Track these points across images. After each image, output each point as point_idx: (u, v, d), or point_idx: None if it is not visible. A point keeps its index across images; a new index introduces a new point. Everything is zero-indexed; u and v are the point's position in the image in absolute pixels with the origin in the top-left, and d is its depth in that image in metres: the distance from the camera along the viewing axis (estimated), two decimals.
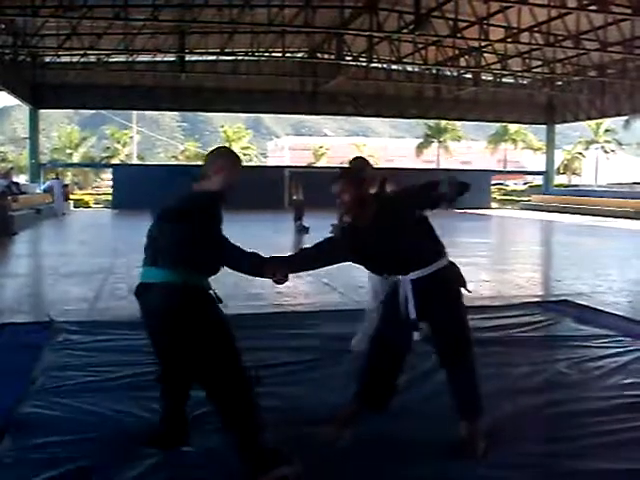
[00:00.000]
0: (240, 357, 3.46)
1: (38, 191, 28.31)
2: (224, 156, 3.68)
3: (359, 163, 5.66)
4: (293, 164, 53.26)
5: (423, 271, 3.74)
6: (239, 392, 3.39)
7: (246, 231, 20.18)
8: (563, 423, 4.16)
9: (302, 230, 18.69)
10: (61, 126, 75.34)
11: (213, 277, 3.58)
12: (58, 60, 28.24)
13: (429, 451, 3.71)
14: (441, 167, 54.33)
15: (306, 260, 4.03)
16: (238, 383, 3.40)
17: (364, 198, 3.84)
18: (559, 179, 51.08)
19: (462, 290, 3.91)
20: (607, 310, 7.70)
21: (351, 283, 9.78)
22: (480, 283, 10.14)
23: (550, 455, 3.68)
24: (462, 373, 3.85)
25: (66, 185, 34.98)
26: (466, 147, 70.27)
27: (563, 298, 8.49)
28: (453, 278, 3.88)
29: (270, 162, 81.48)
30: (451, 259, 3.91)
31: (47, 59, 28.44)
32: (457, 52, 27.28)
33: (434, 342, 3.90)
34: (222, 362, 3.39)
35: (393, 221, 3.76)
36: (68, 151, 56.93)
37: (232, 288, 9.35)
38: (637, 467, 3.54)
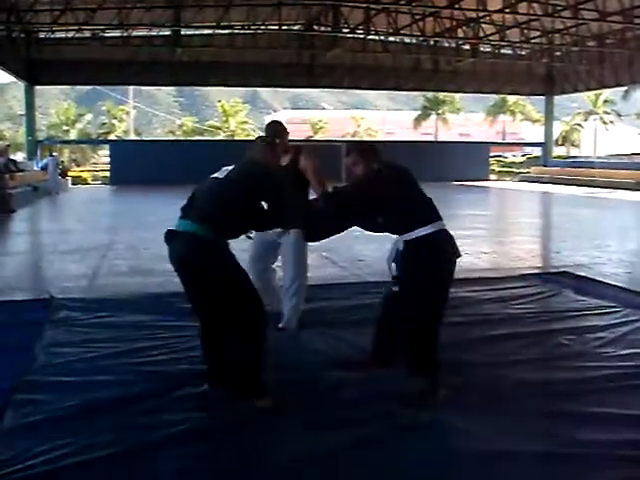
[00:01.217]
0: (253, 296, 3.93)
1: (35, 168, 28.20)
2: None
3: (273, 128, 5.51)
4: (291, 138, 52.95)
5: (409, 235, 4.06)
6: (249, 326, 3.87)
7: None
8: (562, 394, 4.18)
9: None
10: (57, 102, 74.89)
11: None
12: (53, 36, 28.02)
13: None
14: (439, 139, 54.18)
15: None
16: (248, 317, 3.87)
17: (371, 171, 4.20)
18: (558, 150, 50.90)
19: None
20: (606, 281, 7.69)
21: (351, 257, 9.79)
22: (479, 255, 10.14)
23: (550, 425, 3.70)
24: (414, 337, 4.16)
25: (62, 162, 34.92)
26: (464, 119, 69.77)
27: (562, 270, 8.49)
28: (432, 247, 4.10)
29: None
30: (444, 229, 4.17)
31: (41, 35, 28.23)
32: (455, 23, 27.15)
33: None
34: (233, 298, 3.88)
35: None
36: (65, 128, 56.54)
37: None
38: (638, 437, 3.55)
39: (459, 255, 4.24)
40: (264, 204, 4.05)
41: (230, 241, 4.04)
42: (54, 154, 28.94)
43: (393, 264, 4.20)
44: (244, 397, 3.92)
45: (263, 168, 4.13)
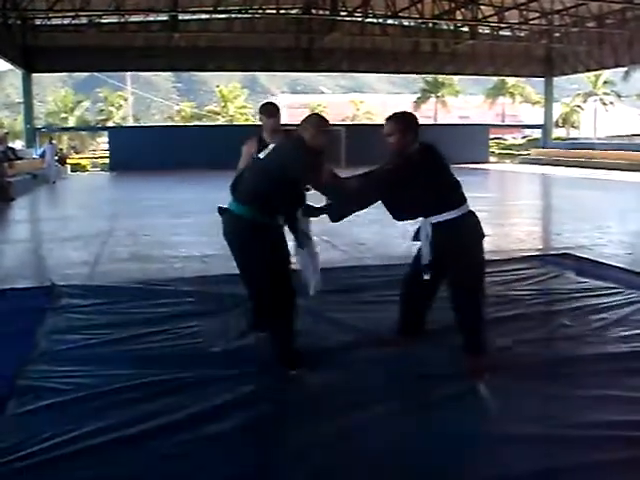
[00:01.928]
0: (284, 281, 4.23)
1: (35, 156, 28.12)
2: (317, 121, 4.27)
3: (270, 109, 5.45)
4: (290, 122, 52.91)
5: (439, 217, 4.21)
6: (281, 298, 4.22)
7: None
8: (564, 375, 4.19)
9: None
10: (55, 90, 74.71)
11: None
12: (49, 23, 27.87)
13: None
14: (439, 122, 54.04)
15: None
16: (281, 292, 4.21)
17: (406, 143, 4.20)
18: (557, 132, 50.78)
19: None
20: (608, 262, 7.69)
21: (352, 240, 9.79)
22: None
23: (551, 407, 3.70)
24: (467, 315, 4.32)
25: (61, 149, 34.82)
26: (464, 101, 69.59)
27: (563, 251, 8.48)
28: (464, 230, 4.24)
29: None
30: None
31: (38, 22, 28.05)
32: (453, 5, 27.00)
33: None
34: (265, 279, 4.24)
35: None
36: (63, 115, 56.42)
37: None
38: (636, 418, 3.55)
39: (484, 236, 4.41)
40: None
41: None
42: (53, 142, 28.73)
43: (426, 249, 4.30)
44: (281, 365, 4.29)
45: (298, 145, 4.20)
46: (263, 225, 4.17)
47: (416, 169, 4.14)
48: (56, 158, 29.40)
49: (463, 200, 4.31)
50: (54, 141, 30.42)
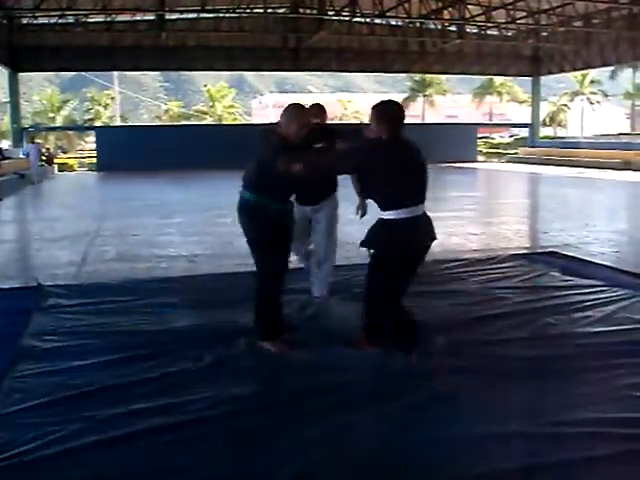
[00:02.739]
0: (279, 254, 4.69)
1: (21, 156, 27.96)
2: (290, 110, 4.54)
3: (317, 109, 5.66)
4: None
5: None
6: (258, 282, 4.72)
7: (235, 190, 20.12)
8: (550, 373, 4.21)
9: None
10: (42, 89, 74.34)
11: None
12: (35, 22, 27.70)
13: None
14: (427, 121, 54.12)
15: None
16: (259, 276, 4.72)
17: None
18: (545, 131, 50.98)
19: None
20: (594, 261, 7.74)
21: (344, 240, 9.78)
22: (467, 236, 10.17)
23: (537, 405, 3.72)
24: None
25: (48, 149, 34.62)
26: (452, 101, 69.80)
27: (550, 250, 8.53)
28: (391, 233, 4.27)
29: (255, 120, 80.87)
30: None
31: (24, 21, 27.86)
32: (441, 4, 27.02)
33: None
34: (255, 255, 4.72)
35: None
36: (50, 115, 56.17)
37: (226, 247, 9.39)
38: (627, 415, 3.58)
39: (431, 239, 4.40)
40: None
41: None
42: (36, 141, 28.51)
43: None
44: (269, 338, 4.69)
45: (266, 135, 4.63)
46: (259, 206, 4.57)
47: (375, 156, 4.23)
48: (44, 158, 29.29)
49: (412, 203, 4.21)
50: (39, 140, 30.27)
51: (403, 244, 4.23)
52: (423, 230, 4.33)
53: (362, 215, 5.64)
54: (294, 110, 4.54)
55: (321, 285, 5.91)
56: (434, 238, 4.43)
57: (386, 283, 4.35)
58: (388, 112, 4.28)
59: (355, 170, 4.62)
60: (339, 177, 5.44)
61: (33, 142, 26.90)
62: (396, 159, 4.23)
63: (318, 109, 5.69)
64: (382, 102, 4.34)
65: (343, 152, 4.69)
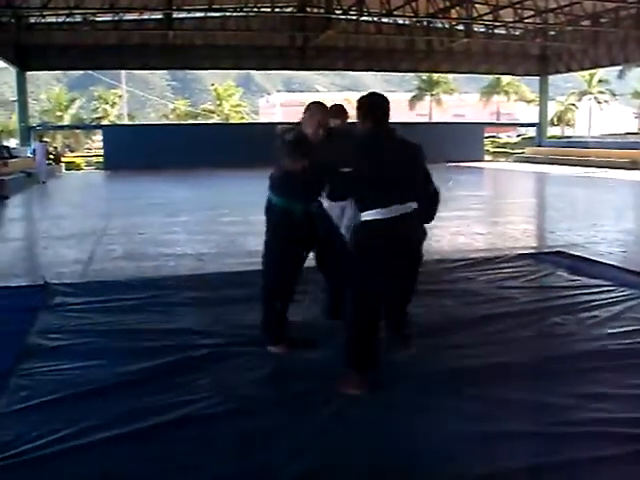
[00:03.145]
0: (277, 267, 4.67)
1: (29, 154, 28.00)
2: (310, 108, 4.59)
3: (335, 111, 5.57)
4: (285, 121, 52.87)
5: None
6: (276, 276, 4.68)
7: (240, 188, 20.18)
8: (556, 372, 4.19)
9: None
10: (49, 88, 74.53)
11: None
12: (43, 21, 27.74)
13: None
14: (434, 120, 54.06)
15: None
16: (277, 270, 4.68)
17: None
18: (552, 131, 50.82)
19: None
20: (601, 260, 7.71)
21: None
22: (473, 236, 10.15)
23: (544, 404, 3.71)
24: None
25: (55, 148, 34.68)
26: (459, 100, 69.67)
27: (557, 249, 8.50)
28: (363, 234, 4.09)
29: (262, 119, 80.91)
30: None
31: (32, 20, 27.90)
32: (448, 3, 26.95)
33: None
34: (271, 256, 4.72)
35: None
36: (58, 113, 56.32)
37: (232, 245, 9.41)
38: (635, 415, 3.56)
39: (413, 239, 4.11)
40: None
41: None
42: (44, 140, 28.48)
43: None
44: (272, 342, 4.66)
45: (281, 135, 4.60)
46: (282, 208, 4.56)
47: (351, 148, 4.12)
48: (51, 156, 29.29)
49: (389, 203, 3.93)
50: (47, 139, 30.27)
51: (376, 248, 3.96)
52: (402, 232, 4.00)
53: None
54: (314, 109, 4.54)
55: None
56: (419, 241, 4.15)
57: (356, 290, 4.05)
58: (370, 104, 4.10)
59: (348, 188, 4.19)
60: None
61: (40, 141, 26.49)
62: (372, 155, 4.00)
63: (338, 110, 5.61)
64: (364, 95, 4.18)
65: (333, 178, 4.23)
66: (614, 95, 60.91)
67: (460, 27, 30.42)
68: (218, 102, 65.38)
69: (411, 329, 4.56)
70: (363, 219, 3.99)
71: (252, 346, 4.68)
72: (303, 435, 3.42)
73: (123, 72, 61.46)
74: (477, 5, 26.97)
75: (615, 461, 3.11)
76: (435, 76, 57.97)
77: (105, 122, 55.04)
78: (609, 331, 4.97)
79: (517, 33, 32.77)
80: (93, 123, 56.22)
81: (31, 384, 4.03)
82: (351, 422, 3.55)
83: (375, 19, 29.16)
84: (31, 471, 3.07)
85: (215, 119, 61.37)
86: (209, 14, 27.82)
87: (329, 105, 5.24)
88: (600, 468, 3.07)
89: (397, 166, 4.00)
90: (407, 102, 61.63)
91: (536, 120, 40.33)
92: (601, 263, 7.52)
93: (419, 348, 4.52)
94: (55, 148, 34.49)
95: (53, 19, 27.46)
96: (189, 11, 27.68)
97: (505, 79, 57.99)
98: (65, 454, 3.19)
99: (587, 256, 7.99)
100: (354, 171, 3.99)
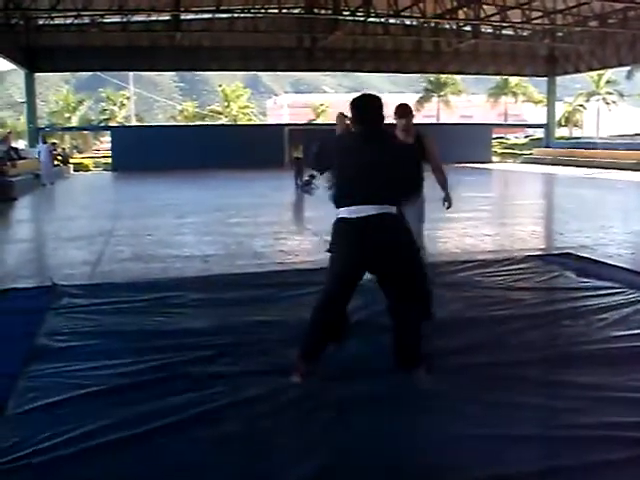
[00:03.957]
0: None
1: (37, 156, 28.06)
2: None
3: (401, 110, 5.57)
4: (293, 122, 52.94)
5: None
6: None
7: (247, 190, 20.21)
8: (564, 375, 4.18)
9: (308, 183, 18.38)
10: (58, 89, 74.78)
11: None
12: (52, 22, 27.82)
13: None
14: (441, 121, 53.98)
15: None
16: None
17: None
18: (560, 132, 50.72)
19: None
20: (610, 262, 7.68)
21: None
22: (482, 237, 10.12)
23: (553, 407, 3.69)
24: None
25: (63, 149, 34.75)
26: (466, 101, 69.63)
27: (566, 251, 8.47)
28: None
29: (269, 120, 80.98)
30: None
31: (40, 22, 27.98)
32: (456, 4, 26.90)
33: None
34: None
35: None
36: (66, 115, 56.53)
37: (239, 247, 9.42)
38: (637, 419, 3.53)
39: (383, 242, 3.96)
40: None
41: None
42: (51, 141, 28.38)
43: None
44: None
45: None
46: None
47: (333, 143, 4.37)
48: (59, 158, 29.29)
49: (351, 203, 3.95)
50: (55, 140, 30.25)
51: (341, 247, 4.02)
52: (370, 233, 3.92)
53: None
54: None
55: None
56: (389, 246, 3.97)
57: (327, 285, 4.13)
58: (356, 106, 4.15)
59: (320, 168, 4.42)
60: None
61: (45, 142, 26.04)
62: (346, 153, 4.09)
63: (404, 110, 5.58)
64: (355, 97, 4.24)
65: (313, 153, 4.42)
66: (622, 96, 60.71)
67: (468, 28, 30.37)
68: (226, 103, 65.49)
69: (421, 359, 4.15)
70: (336, 217, 4.05)
71: (260, 346, 4.68)
72: (307, 436, 3.41)
73: (131, 74, 61.59)
74: (485, 6, 26.92)
75: (623, 465, 3.09)
76: (442, 77, 57.88)
77: (113, 123, 55.17)
78: (618, 333, 4.94)
79: (525, 34, 32.70)
80: (101, 124, 56.37)
81: (39, 386, 4.03)
82: (355, 424, 3.54)
83: (382, 20, 29.15)
84: (38, 474, 3.07)
85: (223, 120, 61.46)
86: (217, 15, 27.83)
87: (396, 105, 5.45)
88: (608, 472, 3.05)
89: (372, 166, 3.99)
90: (414, 103, 61.61)
91: (544, 121, 40.26)
92: (610, 265, 7.49)
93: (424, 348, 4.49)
94: (63, 149, 34.59)
95: (61, 21, 27.55)
96: (197, 12, 27.72)
97: (513, 80, 57.91)
98: (73, 457, 3.18)
99: (596, 258, 7.96)
100: (332, 170, 4.13)
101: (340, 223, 4.02)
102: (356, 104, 4.16)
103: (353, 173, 4.01)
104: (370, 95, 4.25)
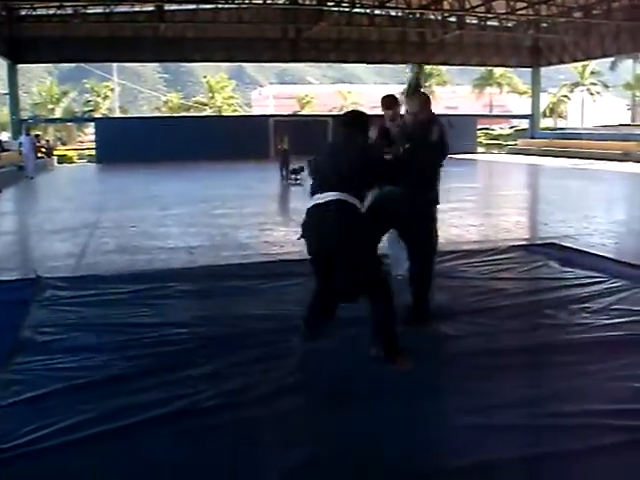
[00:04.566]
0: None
1: (19, 147, 27.80)
2: None
3: (387, 101, 5.72)
4: (278, 113, 52.81)
5: None
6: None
7: (232, 181, 20.17)
8: (546, 363, 4.21)
9: (295, 173, 18.37)
10: (41, 81, 74.20)
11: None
12: (34, 13, 27.60)
13: None
14: None
15: None
16: None
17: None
18: (545, 122, 50.90)
19: None
20: (593, 252, 7.72)
21: None
22: (467, 228, 10.15)
23: (536, 396, 3.72)
24: None
25: (47, 141, 34.51)
26: (451, 92, 69.65)
27: (550, 241, 8.51)
28: None
29: (255, 111, 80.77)
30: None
31: (23, 12, 27.77)
32: None
33: None
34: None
35: None
36: (50, 106, 56.12)
37: (224, 238, 9.41)
38: (627, 407, 3.57)
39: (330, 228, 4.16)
40: None
41: None
42: (35, 133, 28.03)
43: None
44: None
45: None
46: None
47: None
48: (43, 150, 29.05)
49: (325, 189, 4.26)
50: (38, 133, 29.99)
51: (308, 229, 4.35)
52: (318, 219, 4.25)
53: None
54: None
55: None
56: (337, 241, 4.16)
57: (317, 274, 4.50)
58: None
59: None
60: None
61: (27, 134, 25.11)
62: (337, 139, 4.91)
63: (389, 100, 5.73)
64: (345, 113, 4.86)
65: None
66: (606, 87, 61.00)
67: (452, 19, 30.40)
68: (210, 94, 65.28)
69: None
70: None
71: (245, 338, 4.68)
72: (291, 428, 3.42)
73: (115, 65, 61.18)
74: None
75: (604, 452, 3.12)
76: (428, 68, 57.90)
77: (97, 115, 54.83)
78: (600, 322, 4.98)
79: (509, 25, 32.77)
80: (85, 116, 56.01)
81: (22, 379, 4.01)
82: (341, 414, 3.56)
83: (367, 11, 29.12)
84: (21, 467, 3.06)
85: (208, 112, 61.25)
86: (201, 6, 27.73)
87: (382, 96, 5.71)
88: (590, 459, 3.08)
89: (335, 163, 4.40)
90: (399, 94, 61.56)
91: (529, 112, 40.38)
92: (593, 255, 7.54)
93: (410, 337, 4.52)
94: (47, 141, 34.36)
95: (44, 11, 27.33)
96: (180, 3, 27.58)
97: (498, 71, 57.99)
98: (57, 449, 3.18)
99: (579, 248, 8.00)
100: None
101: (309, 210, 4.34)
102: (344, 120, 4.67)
103: (322, 167, 4.50)
104: (355, 112, 4.84)
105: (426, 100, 5.31)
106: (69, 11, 27.08)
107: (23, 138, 24.41)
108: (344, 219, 4.13)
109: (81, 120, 53.57)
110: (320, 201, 4.20)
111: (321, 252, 4.29)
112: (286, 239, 9.26)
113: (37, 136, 29.92)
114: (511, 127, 54.90)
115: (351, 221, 4.15)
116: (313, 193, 4.31)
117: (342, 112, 4.75)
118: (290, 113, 53.02)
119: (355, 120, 4.63)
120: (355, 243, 4.14)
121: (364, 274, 4.23)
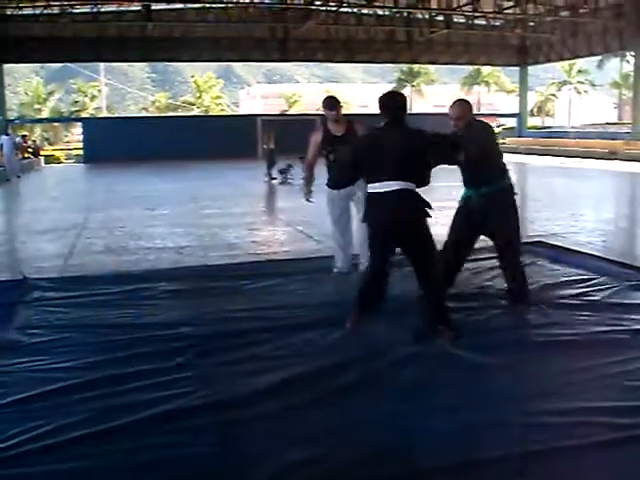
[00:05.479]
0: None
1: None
2: None
3: (329, 103, 5.88)
4: (265, 112, 52.76)
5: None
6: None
7: (220, 180, 20.13)
8: (535, 361, 4.23)
9: (283, 172, 18.36)
10: (27, 81, 73.81)
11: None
12: (20, 12, 27.46)
13: None
14: (414, 112, 54.08)
15: None
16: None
17: None
18: (532, 121, 51.09)
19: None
20: (581, 250, 7.75)
21: (326, 231, 9.76)
22: None
23: (523, 394, 3.73)
24: None
25: (34, 141, 34.34)
26: (439, 90, 69.85)
27: (537, 239, 8.53)
28: None
29: (242, 111, 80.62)
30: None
31: (9, 12, 27.62)
32: None
33: None
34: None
35: None
36: (36, 106, 55.89)
37: (212, 238, 9.39)
38: (615, 404, 3.58)
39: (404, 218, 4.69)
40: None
41: None
42: (22, 134, 27.91)
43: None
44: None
45: None
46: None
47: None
48: (30, 150, 28.89)
49: (385, 177, 4.65)
50: (25, 133, 29.83)
51: (372, 218, 4.73)
52: (390, 207, 4.63)
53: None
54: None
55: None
56: (409, 218, 4.72)
57: (374, 254, 4.82)
58: (381, 103, 4.81)
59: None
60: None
61: (7, 133, 24.47)
62: (379, 140, 4.77)
63: (332, 101, 5.96)
64: (381, 95, 4.87)
65: None
66: (593, 85, 61.34)
67: (440, 18, 30.46)
68: (198, 94, 65.18)
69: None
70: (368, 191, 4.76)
71: (233, 338, 4.67)
72: (284, 425, 3.42)
73: (102, 65, 61.07)
74: None
75: (595, 449, 3.12)
76: (416, 67, 58.07)
77: (84, 115, 54.63)
78: (588, 320, 4.99)
79: (497, 24, 32.88)
80: (72, 116, 55.79)
81: (8, 381, 3.98)
82: (330, 413, 3.56)
83: (355, 10, 29.15)
84: (11, 468, 3.03)
85: (195, 111, 61.17)
86: (188, 5, 27.67)
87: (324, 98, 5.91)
88: (581, 457, 3.08)
89: (389, 149, 4.62)
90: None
91: (516, 110, 40.53)
92: (580, 253, 7.56)
93: (395, 330, 4.56)
94: (34, 142, 34.20)
95: (31, 11, 27.19)
96: (168, 2, 27.50)
97: (485, 70, 58.24)
98: (43, 452, 3.15)
99: (567, 246, 8.02)
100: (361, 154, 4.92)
101: (369, 196, 4.72)
102: (383, 103, 4.80)
103: (375, 157, 4.67)
104: (394, 93, 5.21)
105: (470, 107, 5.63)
106: (56, 11, 26.98)
107: (3, 138, 23.88)
108: (416, 204, 4.75)
109: (68, 120, 53.38)
110: (387, 189, 4.56)
111: (394, 227, 4.66)
112: (274, 239, 9.25)
113: (24, 137, 29.77)
114: (498, 126, 54.85)
115: (422, 204, 4.78)
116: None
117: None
118: (278, 112, 52.98)
119: (403, 103, 4.89)
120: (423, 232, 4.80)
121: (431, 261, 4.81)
